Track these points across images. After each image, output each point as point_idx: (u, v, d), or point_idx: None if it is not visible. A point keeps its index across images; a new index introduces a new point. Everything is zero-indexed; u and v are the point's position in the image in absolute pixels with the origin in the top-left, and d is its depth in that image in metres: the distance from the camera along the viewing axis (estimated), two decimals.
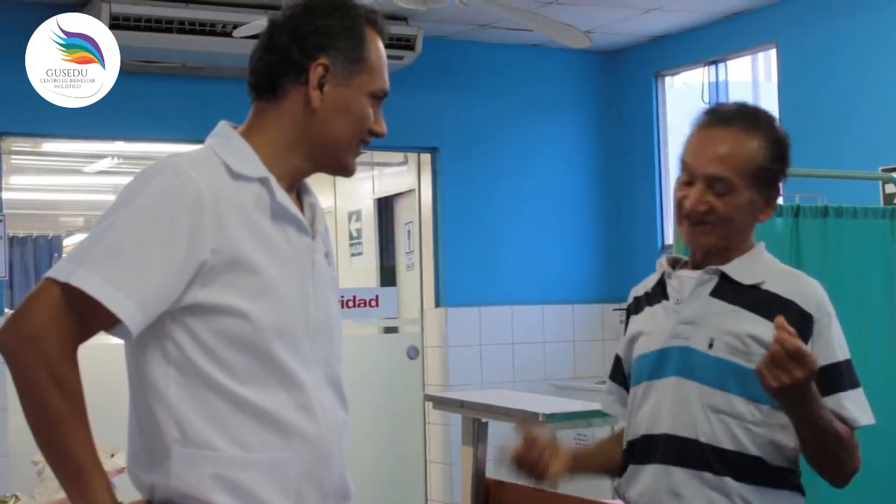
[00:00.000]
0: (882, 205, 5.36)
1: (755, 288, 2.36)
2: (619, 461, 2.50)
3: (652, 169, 7.08)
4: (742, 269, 2.39)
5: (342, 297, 6.21)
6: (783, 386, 2.13)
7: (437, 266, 6.98)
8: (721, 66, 6.78)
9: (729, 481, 2.30)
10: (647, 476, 2.38)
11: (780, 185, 2.43)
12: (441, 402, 5.02)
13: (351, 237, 8.17)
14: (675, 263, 2.50)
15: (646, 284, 2.55)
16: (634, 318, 2.52)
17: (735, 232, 2.38)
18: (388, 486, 6.86)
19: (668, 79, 7.20)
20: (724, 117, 2.40)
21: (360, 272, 7.94)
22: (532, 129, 7.18)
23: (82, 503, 1.82)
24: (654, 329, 2.43)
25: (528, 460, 2.43)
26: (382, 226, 7.88)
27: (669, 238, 6.82)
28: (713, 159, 2.34)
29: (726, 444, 2.31)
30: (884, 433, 4.35)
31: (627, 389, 2.53)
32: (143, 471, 1.95)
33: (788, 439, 2.31)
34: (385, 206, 7.87)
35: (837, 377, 2.33)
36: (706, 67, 6.80)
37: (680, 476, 2.33)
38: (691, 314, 2.38)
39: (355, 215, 8.14)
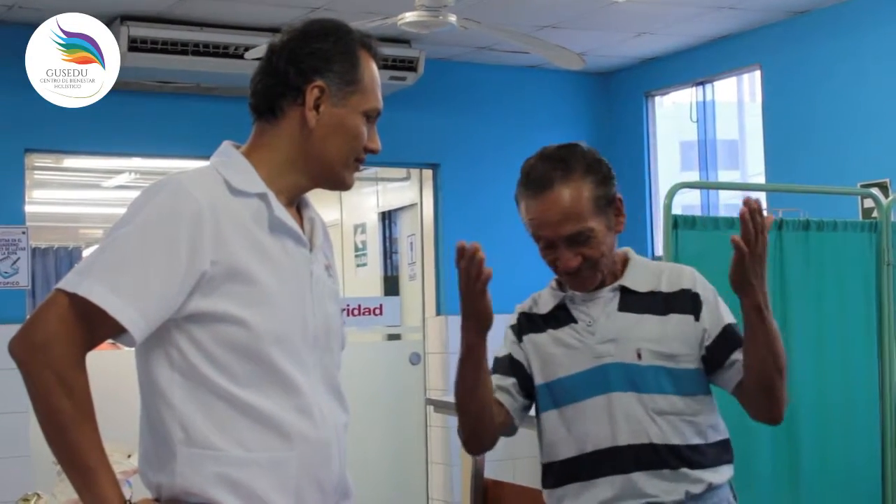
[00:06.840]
0: (861, 219, 5.34)
1: (651, 293, 2.42)
2: (480, 408, 2.39)
3: (642, 183, 7.07)
4: (636, 279, 2.44)
5: (348, 305, 6.20)
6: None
7: (437, 276, 6.97)
8: (708, 86, 6.78)
9: (686, 471, 2.35)
10: (605, 488, 2.37)
11: (616, 190, 2.43)
12: (442, 406, 5.00)
13: (356, 249, 8.16)
14: (561, 284, 2.50)
15: (538, 305, 2.54)
16: (534, 338, 2.48)
17: (609, 257, 2.42)
18: (391, 485, 6.85)
19: (657, 98, 7.19)
20: (544, 181, 2.42)
21: (365, 282, 7.93)
22: (529, 146, 7.02)
23: (91, 501, 1.82)
24: (568, 352, 2.42)
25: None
26: (386, 238, 7.88)
27: (659, 249, 6.80)
28: (559, 223, 2.37)
29: (675, 440, 2.36)
30: (864, 435, 4.35)
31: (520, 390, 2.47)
32: (152, 470, 1.94)
33: (716, 418, 2.42)
34: (389, 220, 7.86)
35: (735, 334, 2.41)
36: (694, 88, 6.80)
37: (642, 479, 2.35)
38: (608, 332, 2.40)
39: (360, 228, 8.13)
